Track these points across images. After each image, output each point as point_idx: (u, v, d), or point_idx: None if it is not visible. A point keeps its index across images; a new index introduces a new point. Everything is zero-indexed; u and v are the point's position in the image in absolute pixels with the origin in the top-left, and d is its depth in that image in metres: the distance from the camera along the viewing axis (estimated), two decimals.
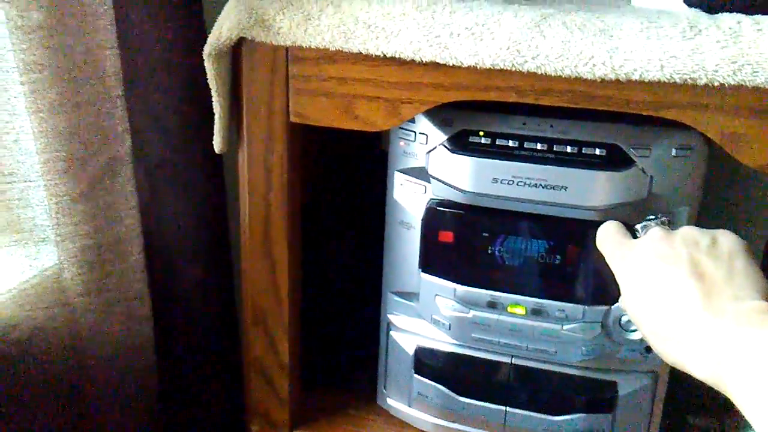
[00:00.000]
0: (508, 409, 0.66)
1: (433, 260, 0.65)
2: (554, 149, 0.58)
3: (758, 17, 0.50)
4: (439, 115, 0.60)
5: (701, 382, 0.43)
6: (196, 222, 0.77)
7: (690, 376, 0.44)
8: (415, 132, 0.62)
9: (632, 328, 0.61)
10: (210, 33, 0.58)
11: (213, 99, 0.60)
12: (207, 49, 0.57)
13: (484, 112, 0.60)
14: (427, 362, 0.68)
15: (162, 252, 0.75)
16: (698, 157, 0.57)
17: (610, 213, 0.57)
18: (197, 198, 0.77)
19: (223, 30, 0.57)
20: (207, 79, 0.59)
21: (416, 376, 0.69)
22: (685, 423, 0.74)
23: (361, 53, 0.56)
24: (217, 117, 0.61)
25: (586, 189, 0.57)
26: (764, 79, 0.48)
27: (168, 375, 0.77)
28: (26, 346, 0.62)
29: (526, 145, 0.58)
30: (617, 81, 0.51)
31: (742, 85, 0.49)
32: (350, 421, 0.73)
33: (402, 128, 0.62)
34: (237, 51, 0.59)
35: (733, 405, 0.40)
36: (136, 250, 0.70)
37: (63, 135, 0.61)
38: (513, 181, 0.58)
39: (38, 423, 0.64)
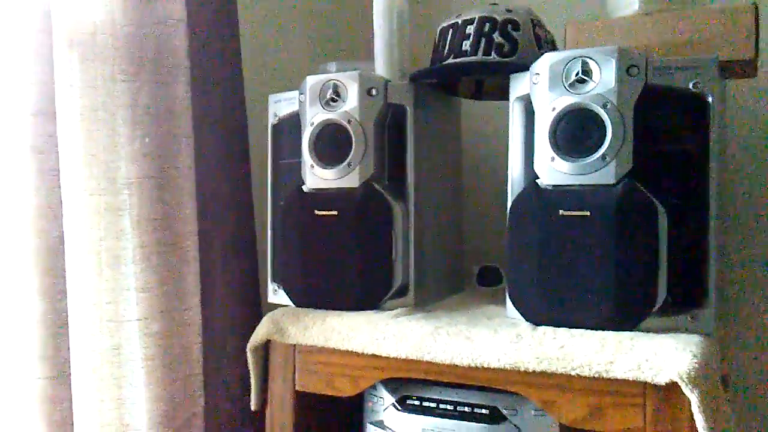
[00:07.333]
0: None
1: None
2: (457, 410, 0.89)
3: (561, 330, 0.82)
4: (390, 385, 0.94)
5: None
6: None
7: None
8: (376, 396, 0.96)
9: None
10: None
11: (251, 375, 0.98)
12: (249, 345, 0.97)
13: (417, 383, 0.93)
14: None
15: None
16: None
17: None
18: None
19: (258, 335, 0.97)
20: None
21: None
22: None
23: (334, 348, 0.93)
24: (253, 384, 0.98)
25: None
26: (555, 368, 0.79)
27: None
28: None
29: (440, 406, 0.90)
30: (476, 368, 0.84)
31: (544, 371, 0.80)
32: None
33: (371, 393, 0.96)
34: (267, 347, 0.98)
35: None
36: None
37: None
38: (434, 431, 0.90)
39: None
